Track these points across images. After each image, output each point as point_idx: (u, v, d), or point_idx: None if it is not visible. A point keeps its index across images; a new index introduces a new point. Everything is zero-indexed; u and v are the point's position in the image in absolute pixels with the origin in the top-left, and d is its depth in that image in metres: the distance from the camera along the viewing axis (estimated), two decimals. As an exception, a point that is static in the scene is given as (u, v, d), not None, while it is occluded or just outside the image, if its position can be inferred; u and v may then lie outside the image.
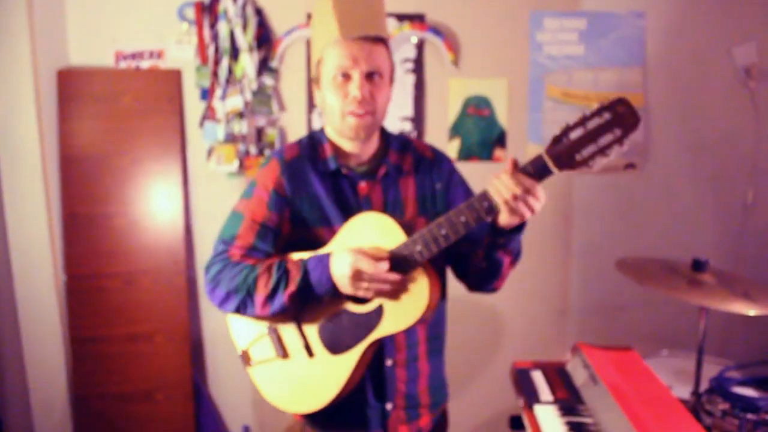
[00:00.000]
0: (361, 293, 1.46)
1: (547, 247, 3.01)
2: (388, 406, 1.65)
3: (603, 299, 3.02)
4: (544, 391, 1.93)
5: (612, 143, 1.29)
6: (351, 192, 1.61)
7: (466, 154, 2.94)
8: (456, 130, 2.95)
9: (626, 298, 2.96)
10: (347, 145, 1.62)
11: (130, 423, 2.93)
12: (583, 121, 1.30)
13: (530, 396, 1.90)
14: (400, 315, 1.48)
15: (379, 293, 1.47)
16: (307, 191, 1.60)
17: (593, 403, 1.82)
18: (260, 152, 2.90)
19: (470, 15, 2.88)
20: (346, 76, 1.52)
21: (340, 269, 1.44)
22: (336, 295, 1.50)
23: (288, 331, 1.59)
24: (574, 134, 1.31)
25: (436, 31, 2.84)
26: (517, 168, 1.36)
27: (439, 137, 2.95)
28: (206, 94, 2.88)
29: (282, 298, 1.48)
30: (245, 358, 1.65)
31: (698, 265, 2.07)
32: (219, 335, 3.05)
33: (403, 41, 2.87)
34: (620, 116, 1.28)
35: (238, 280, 1.51)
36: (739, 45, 2.85)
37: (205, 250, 3.00)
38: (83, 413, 2.92)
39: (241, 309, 1.54)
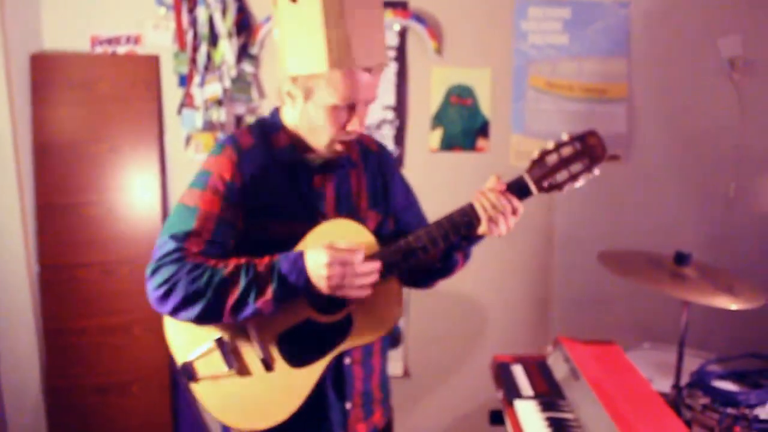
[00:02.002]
0: (339, 292, 1.39)
1: (529, 238, 2.98)
2: (348, 405, 1.59)
3: (586, 291, 3.00)
4: (524, 385, 1.91)
5: (581, 171, 1.41)
6: (306, 184, 1.53)
7: (448, 144, 2.91)
8: (439, 119, 2.91)
9: (609, 289, 2.94)
10: (312, 142, 1.52)
11: (106, 415, 2.88)
12: (557, 148, 1.41)
13: (510, 390, 1.88)
14: (371, 325, 1.46)
15: (359, 292, 1.41)
16: (264, 182, 1.48)
17: (574, 398, 1.80)
18: (239, 141, 2.84)
19: (454, 2, 2.83)
20: (350, 107, 1.44)
21: (318, 269, 1.37)
22: (309, 299, 1.45)
23: (240, 342, 1.48)
24: (550, 159, 1.42)
25: (419, 18, 2.80)
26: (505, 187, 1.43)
27: (422, 126, 2.91)
28: (184, 81, 2.81)
29: (254, 305, 1.38)
30: (189, 371, 1.49)
31: (681, 259, 2.06)
32: (197, 326, 3.00)
33: (386, 28, 2.82)
34: (590, 147, 1.40)
35: (199, 283, 1.36)
36: (725, 36, 2.82)
37: (183, 240, 2.94)
38: (57, 405, 2.86)
39: (203, 317, 1.39)
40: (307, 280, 1.38)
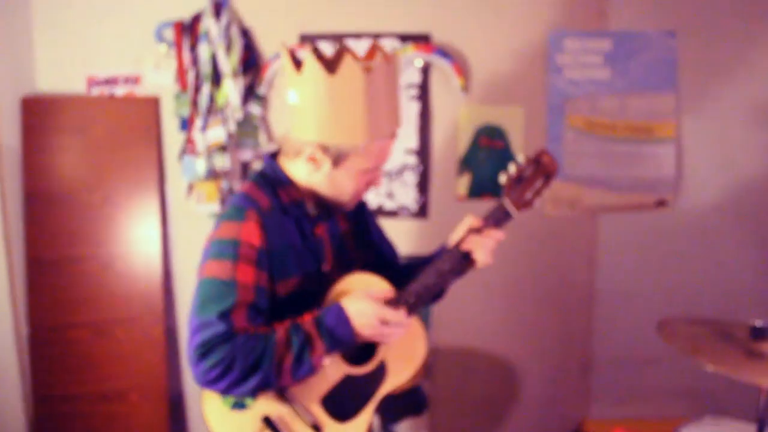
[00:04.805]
0: (379, 338, 1.47)
1: (568, 293, 2.68)
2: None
3: (632, 351, 2.68)
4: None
5: (542, 187, 1.52)
6: (311, 235, 1.57)
7: (477, 191, 2.63)
8: (467, 163, 2.63)
9: (659, 349, 2.59)
10: (334, 199, 1.57)
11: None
12: (520, 170, 1.51)
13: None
14: (403, 364, 1.55)
15: (394, 337, 1.49)
16: (284, 242, 1.50)
17: None
18: (247, 189, 2.59)
19: (481, 35, 2.57)
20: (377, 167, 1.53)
21: (364, 319, 1.43)
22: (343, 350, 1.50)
23: (286, 415, 1.50)
24: (518, 182, 1.51)
25: (444, 53, 2.53)
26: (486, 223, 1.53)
27: (447, 172, 2.64)
28: (186, 125, 2.57)
29: (310, 363, 1.42)
30: None
31: (757, 332, 1.75)
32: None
33: (407, 65, 2.57)
34: (544, 165, 1.50)
35: (255, 355, 1.38)
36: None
37: (185, 297, 2.69)
38: (46, 483, 2.61)
39: (260, 387, 1.41)
40: (352, 332, 1.43)
